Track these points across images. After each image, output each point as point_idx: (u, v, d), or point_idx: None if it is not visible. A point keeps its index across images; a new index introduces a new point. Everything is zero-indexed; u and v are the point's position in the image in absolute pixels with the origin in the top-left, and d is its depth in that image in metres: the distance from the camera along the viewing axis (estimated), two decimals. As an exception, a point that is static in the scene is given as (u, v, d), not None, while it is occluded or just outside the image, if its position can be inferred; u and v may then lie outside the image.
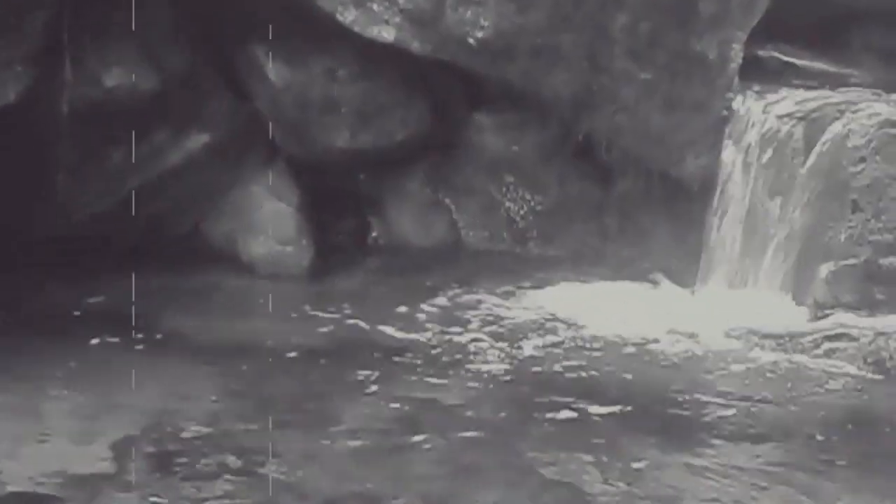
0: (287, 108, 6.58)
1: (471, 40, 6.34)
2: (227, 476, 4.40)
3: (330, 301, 6.14)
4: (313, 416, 4.90)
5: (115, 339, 5.52)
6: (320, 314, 5.99)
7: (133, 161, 6.24)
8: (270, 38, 6.51)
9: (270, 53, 6.52)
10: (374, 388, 5.19)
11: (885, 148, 5.82)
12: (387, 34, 6.36)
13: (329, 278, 6.47)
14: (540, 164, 6.80)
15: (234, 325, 5.81)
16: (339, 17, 6.36)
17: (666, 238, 6.55)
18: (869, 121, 5.86)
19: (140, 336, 5.56)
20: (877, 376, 5.41)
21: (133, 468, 4.42)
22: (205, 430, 4.73)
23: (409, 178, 6.94)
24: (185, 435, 4.68)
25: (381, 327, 5.85)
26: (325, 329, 5.82)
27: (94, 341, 5.49)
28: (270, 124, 6.64)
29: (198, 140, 6.49)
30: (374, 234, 6.97)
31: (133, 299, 5.84)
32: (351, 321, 5.90)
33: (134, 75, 6.12)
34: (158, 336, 5.61)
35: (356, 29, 6.35)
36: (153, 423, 4.75)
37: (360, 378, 5.27)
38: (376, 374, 5.31)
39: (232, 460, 4.51)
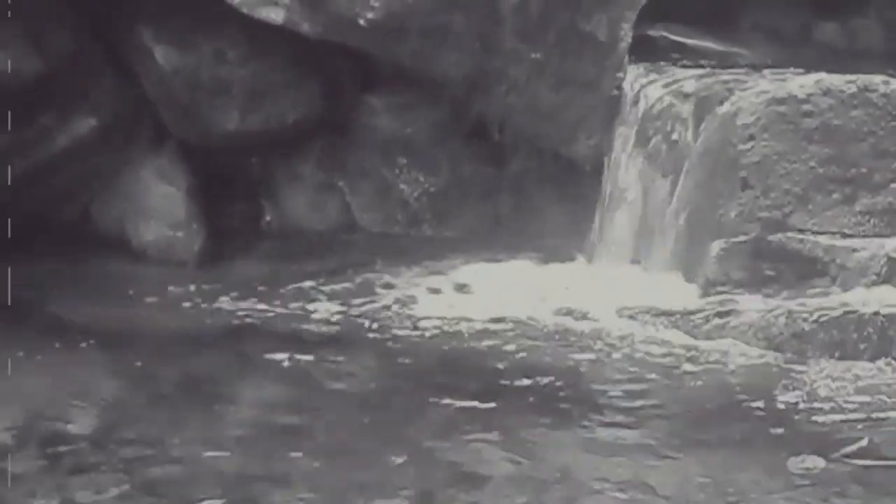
0: (176, 90, 6.50)
1: (361, 21, 6.30)
2: (118, 468, 4.31)
3: (222, 286, 6.08)
4: (205, 402, 4.85)
5: (-3, 328, 5.43)
6: (212, 299, 5.93)
7: (19, 145, 6.13)
8: (158, 19, 6.43)
9: (158, 35, 6.44)
10: (268, 373, 5.15)
11: (772, 125, 5.87)
12: (275, 15, 6.30)
13: (221, 263, 6.41)
14: (433, 145, 6.79)
15: (124, 311, 5.74)
16: (228, -1, 6.29)
17: (559, 217, 6.57)
18: (757, 99, 5.91)
19: (25, 324, 5.46)
20: (767, 352, 5.47)
21: (15, 464, 4.30)
22: (93, 420, 4.65)
23: (301, 160, 6.89)
24: (72, 427, 4.59)
25: (275, 311, 5.81)
26: (216, 314, 5.77)
27: (-25, 330, 5.40)
28: (159, 107, 6.56)
29: (85, 124, 6.40)
30: (266, 217, 6.90)
31: (18, 286, 5.73)
32: (243, 306, 5.86)
33: (16, 58, 6.00)
34: (44, 324, 5.52)
35: (244, 10, 6.28)
36: (37, 416, 4.65)
37: (254, 363, 5.23)
38: (270, 359, 5.27)
39: (123, 451, 4.42)
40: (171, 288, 6.00)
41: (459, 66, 6.44)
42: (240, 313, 5.78)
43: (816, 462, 4.41)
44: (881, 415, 4.85)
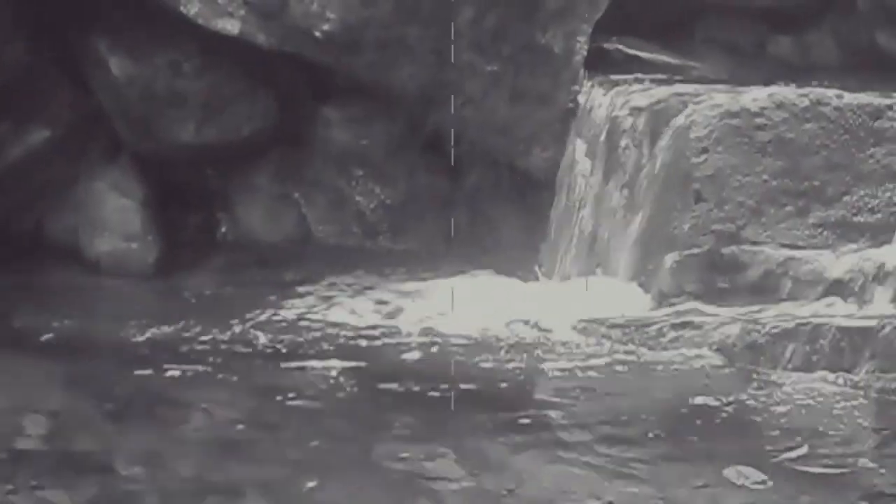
0: (131, 101, 6.49)
1: (317, 33, 6.30)
2: (70, 480, 4.28)
3: (176, 298, 6.06)
4: (158, 416, 4.82)
5: (-51, 341, 5.39)
6: (166, 312, 5.90)
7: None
8: (113, 30, 6.42)
9: (113, 47, 6.42)
10: (221, 385, 5.12)
11: (726, 139, 5.91)
12: (231, 27, 6.30)
13: (176, 275, 6.39)
14: (389, 157, 6.79)
15: (77, 324, 5.70)
16: (183, 9, 6.28)
17: (515, 230, 6.59)
18: (711, 112, 5.95)
19: (-23, 337, 5.45)
20: (721, 363, 5.49)
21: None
22: (45, 433, 4.61)
23: (257, 172, 6.88)
24: (24, 440, 4.55)
25: (229, 323, 5.78)
26: (170, 327, 5.73)
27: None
28: (114, 119, 6.54)
29: (40, 135, 6.38)
30: (222, 229, 6.89)
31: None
32: (198, 318, 5.83)
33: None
34: (-4, 336, 5.50)
35: (200, 21, 6.28)
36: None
37: (207, 375, 5.21)
38: (224, 370, 5.25)
39: (75, 464, 4.39)
40: (124, 300, 5.99)
41: (415, 79, 6.45)
42: (193, 325, 5.75)
43: (764, 471, 4.44)
44: (830, 425, 4.89)
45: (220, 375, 5.21)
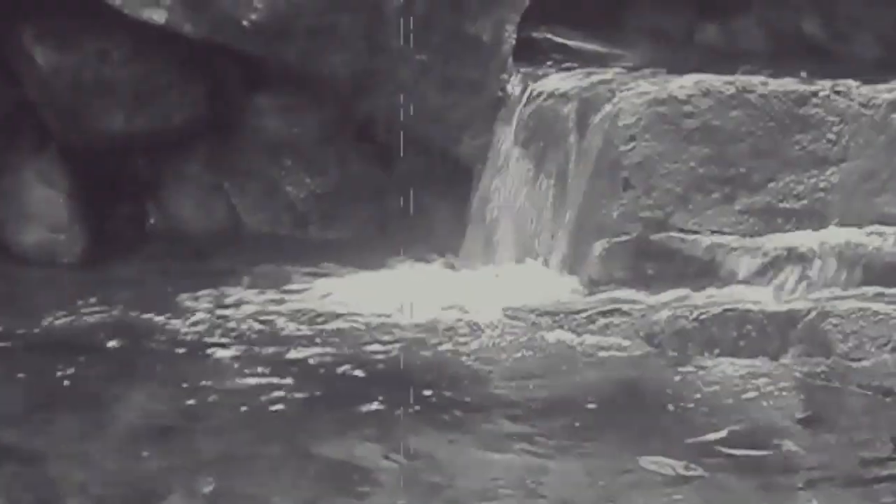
0: (58, 91, 6.43)
1: (245, 22, 6.26)
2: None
3: (105, 289, 6.00)
4: (87, 409, 4.78)
5: None
6: (94, 303, 5.85)
7: None
8: (39, 20, 6.35)
9: (39, 36, 6.36)
10: (151, 378, 5.10)
11: (653, 126, 5.94)
12: (157, 16, 6.25)
13: (104, 266, 6.34)
14: (320, 146, 6.77)
15: (2, 317, 5.64)
16: (108, -1, 6.23)
17: (447, 218, 6.58)
18: (638, 100, 5.97)
19: None
20: (649, 350, 5.53)
21: None
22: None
23: (187, 162, 6.84)
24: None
25: (159, 315, 5.74)
26: (99, 319, 5.69)
27: None
28: (41, 109, 6.47)
29: (-36, 126, 6.31)
30: (151, 219, 6.84)
31: None
32: (127, 310, 5.79)
33: None
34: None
35: (126, 11, 6.23)
36: None
37: (137, 368, 5.18)
38: (154, 363, 5.22)
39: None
40: (51, 291, 5.93)
41: (346, 67, 6.43)
42: (121, 316, 5.71)
43: (689, 455, 4.48)
44: (755, 409, 4.95)
45: (145, 366, 5.18)
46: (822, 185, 5.97)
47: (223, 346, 5.44)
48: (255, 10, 6.25)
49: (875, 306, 5.50)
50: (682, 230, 5.88)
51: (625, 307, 5.69)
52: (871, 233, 5.88)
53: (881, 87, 6.09)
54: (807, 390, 5.19)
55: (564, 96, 6.20)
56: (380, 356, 5.38)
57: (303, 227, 6.81)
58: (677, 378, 5.25)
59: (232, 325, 5.67)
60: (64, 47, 6.39)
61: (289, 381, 5.11)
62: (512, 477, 4.37)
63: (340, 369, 5.24)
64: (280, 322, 5.71)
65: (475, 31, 6.37)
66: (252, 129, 6.78)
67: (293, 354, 5.37)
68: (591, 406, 4.98)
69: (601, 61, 6.62)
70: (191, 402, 4.87)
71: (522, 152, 6.30)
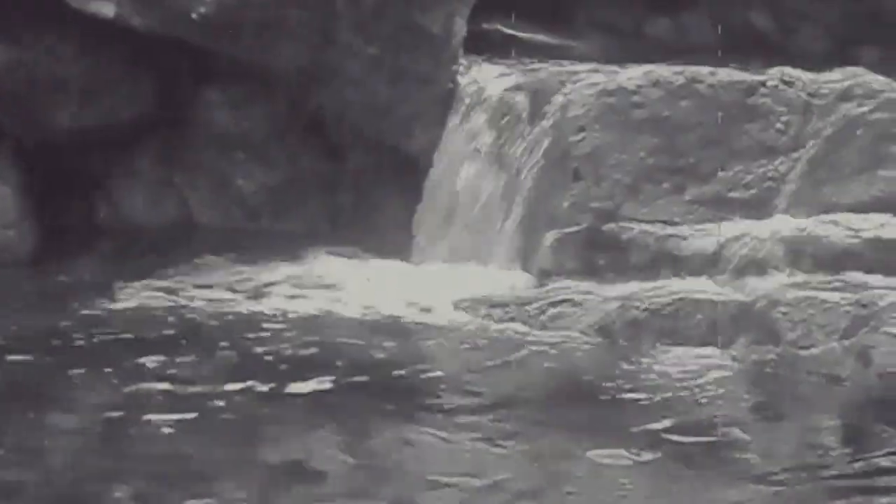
0: (8, 87, 6.38)
1: (193, 15, 6.25)
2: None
3: (56, 285, 5.98)
4: (36, 407, 4.73)
5: None
6: (45, 299, 5.83)
7: None
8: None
9: (-12, 32, 6.33)
10: (102, 373, 5.05)
11: (603, 117, 5.96)
12: (106, 10, 6.23)
13: (55, 262, 6.29)
14: (270, 140, 6.75)
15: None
16: (58, -7, 6.20)
17: (398, 211, 6.57)
18: (588, 91, 6.00)
19: None
20: (601, 341, 5.55)
21: None
22: None
23: (138, 156, 6.81)
24: None
25: (111, 309, 5.72)
26: (50, 315, 5.65)
27: None
28: (-9, 105, 6.45)
29: (-86, 123, 6.26)
30: (102, 215, 6.81)
31: None
32: (78, 305, 5.75)
33: None
34: None
35: (74, 5, 6.20)
36: None
37: (88, 364, 5.13)
38: (105, 359, 5.18)
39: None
40: (1, 288, 5.88)
41: (296, 61, 6.42)
42: (72, 312, 5.68)
43: (639, 443, 4.50)
44: (705, 397, 4.98)
45: (98, 363, 5.14)
46: (770, 174, 6.01)
47: (174, 340, 5.42)
48: (204, 3, 6.23)
49: (823, 295, 5.54)
50: (632, 220, 5.91)
51: (576, 298, 5.71)
52: (820, 222, 5.92)
53: (829, 76, 6.14)
54: (757, 378, 5.22)
55: (516, 88, 6.22)
56: (331, 349, 5.36)
57: (254, 221, 6.79)
58: (629, 368, 5.27)
59: (182, 318, 5.64)
60: (15, 43, 6.36)
61: (241, 373, 5.08)
62: (463, 467, 4.37)
63: (291, 364, 5.21)
64: (229, 316, 5.69)
65: (425, 23, 6.37)
66: (202, 123, 6.76)
67: (243, 347, 5.35)
68: (542, 396, 5.00)
69: (552, 53, 6.64)
70: (144, 397, 4.84)
71: (473, 144, 6.31)
